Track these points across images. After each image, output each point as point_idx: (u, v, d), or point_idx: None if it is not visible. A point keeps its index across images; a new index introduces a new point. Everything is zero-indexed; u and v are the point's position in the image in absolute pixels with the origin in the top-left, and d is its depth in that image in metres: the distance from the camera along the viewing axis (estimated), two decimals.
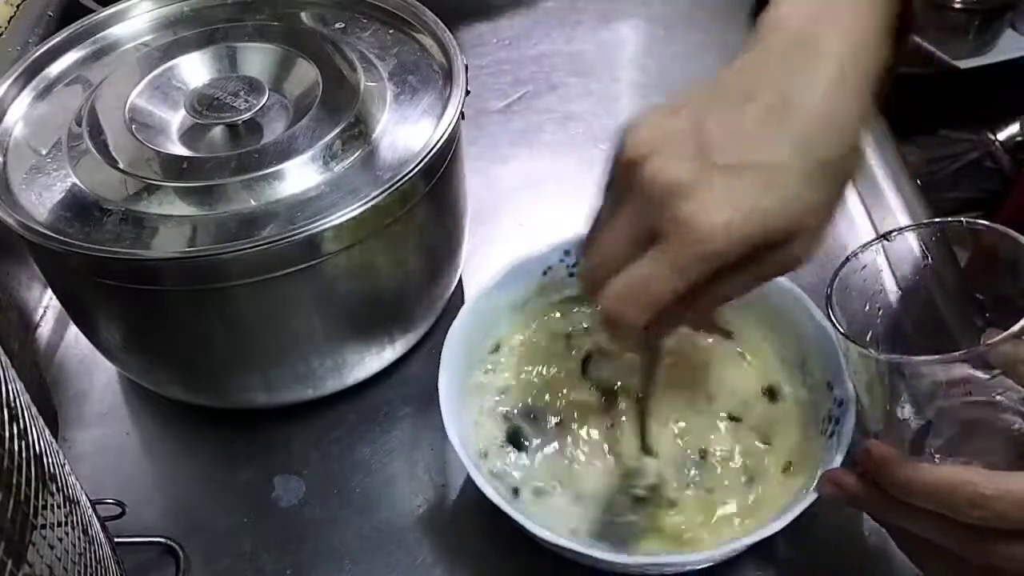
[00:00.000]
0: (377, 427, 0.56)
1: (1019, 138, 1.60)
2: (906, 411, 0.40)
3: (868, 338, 0.43)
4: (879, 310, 0.44)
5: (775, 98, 0.37)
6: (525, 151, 0.74)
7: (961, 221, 0.41)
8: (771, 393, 0.52)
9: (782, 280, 0.49)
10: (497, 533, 0.43)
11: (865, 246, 0.43)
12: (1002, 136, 1.62)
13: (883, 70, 0.39)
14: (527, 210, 0.69)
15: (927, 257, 0.44)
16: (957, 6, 1.44)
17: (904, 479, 0.37)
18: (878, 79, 0.38)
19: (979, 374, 0.38)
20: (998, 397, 0.39)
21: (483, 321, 0.53)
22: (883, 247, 0.43)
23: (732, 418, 0.51)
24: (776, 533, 0.43)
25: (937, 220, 0.43)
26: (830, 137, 0.37)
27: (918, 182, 0.70)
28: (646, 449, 0.50)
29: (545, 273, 0.55)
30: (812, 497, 0.43)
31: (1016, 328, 0.35)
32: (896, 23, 0.40)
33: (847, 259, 0.42)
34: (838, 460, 0.44)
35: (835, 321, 0.41)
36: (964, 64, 1.44)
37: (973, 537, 0.36)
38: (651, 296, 0.38)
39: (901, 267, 0.47)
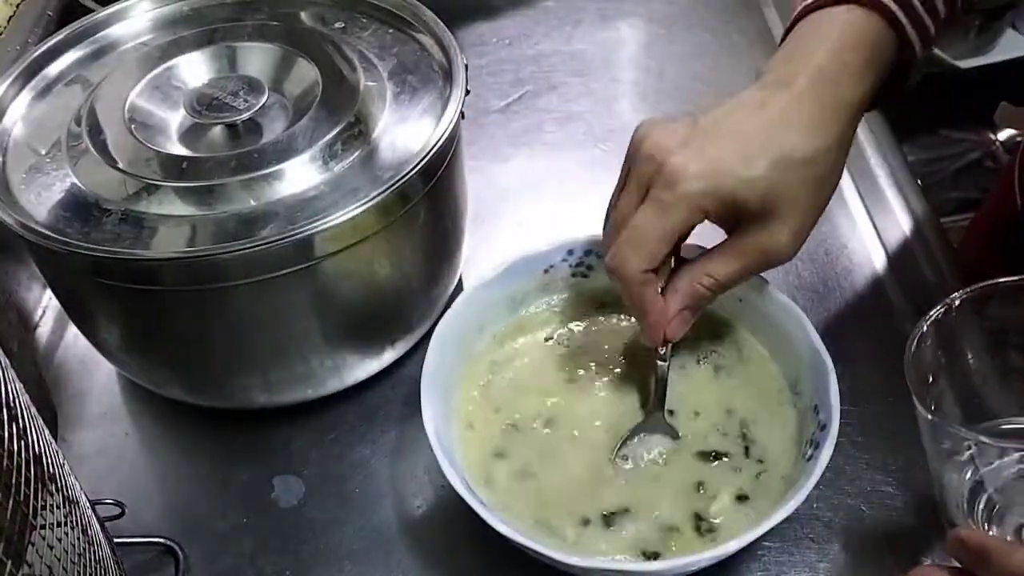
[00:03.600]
0: (377, 427, 0.56)
1: (1019, 138, 1.60)
2: (958, 476, 0.40)
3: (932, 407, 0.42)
4: (943, 379, 0.44)
5: (753, 102, 0.45)
6: (525, 151, 0.74)
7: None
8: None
9: (785, 299, 0.50)
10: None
11: (929, 315, 0.42)
12: (1002, 136, 1.62)
13: (861, 100, 0.46)
14: (527, 210, 0.69)
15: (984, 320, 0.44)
16: None
17: (1018, 565, 0.35)
18: (849, 106, 0.45)
19: None
20: None
21: (478, 314, 0.53)
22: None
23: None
24: None
25: (989, 283, 0.43)
26: (795, 140, 0.44)
27: (919, 182, 0.70)
28: None
29: (547, 271, 0.55)
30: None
31: None
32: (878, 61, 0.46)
33: (917, 327, 0.42)
34: (811, 483, 0.43)
35: (918, 400, 0.40)
36: (964, 64, 1.44)
37: None
38: (642, 237, 0.44)
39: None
